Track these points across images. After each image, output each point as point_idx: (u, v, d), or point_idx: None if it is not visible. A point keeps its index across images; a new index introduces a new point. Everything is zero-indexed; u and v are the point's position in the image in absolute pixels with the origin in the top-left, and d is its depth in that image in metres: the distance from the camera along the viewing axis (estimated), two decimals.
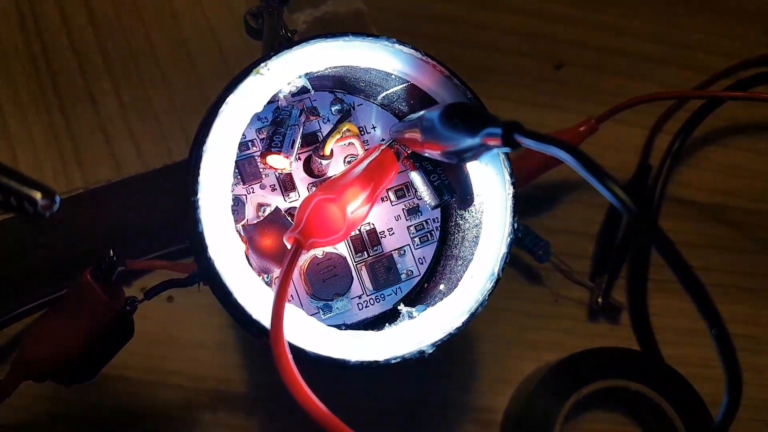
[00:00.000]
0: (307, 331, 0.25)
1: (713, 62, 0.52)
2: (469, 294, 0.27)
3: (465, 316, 0.26)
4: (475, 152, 0.24)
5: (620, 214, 0.47)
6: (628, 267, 0.47)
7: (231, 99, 0.25)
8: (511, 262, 0.46)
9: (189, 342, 0.41)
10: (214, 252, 0.24)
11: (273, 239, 0.29)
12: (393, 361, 0.25)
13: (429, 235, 0.32)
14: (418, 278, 0.32)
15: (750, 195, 0.50)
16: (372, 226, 0.31)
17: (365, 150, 0.31)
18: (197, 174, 0.24)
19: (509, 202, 0.28)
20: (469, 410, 0.43)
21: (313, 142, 0.31)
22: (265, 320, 0.24)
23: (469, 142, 0.24)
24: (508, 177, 0.29)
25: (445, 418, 0.43)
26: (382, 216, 0.32)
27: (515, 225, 0.28)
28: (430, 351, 0.26)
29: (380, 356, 0.25)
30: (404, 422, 0.42)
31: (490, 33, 0.51)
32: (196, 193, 0.24)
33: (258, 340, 0.24)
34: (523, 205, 0.47)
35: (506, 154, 0.29)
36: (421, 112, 0.27)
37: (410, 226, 0.32)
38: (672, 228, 0.48)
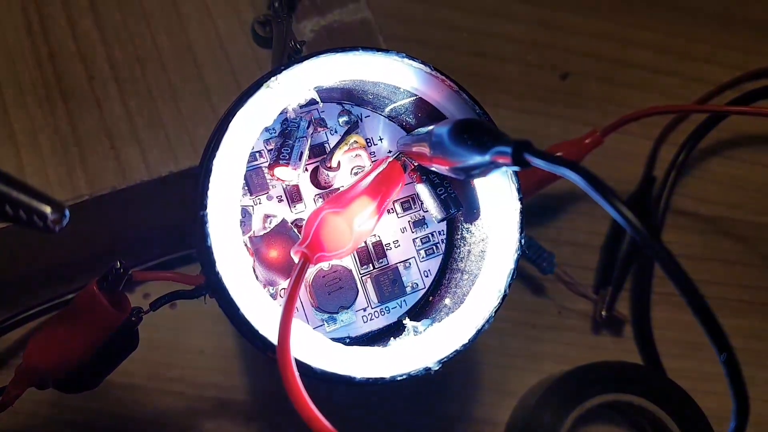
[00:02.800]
0: (313, 346, 0.24)
1: (719, 73, 0.52)
2: (475, 310, 0.27)
3: (471, 333, 0.26)
4: (484, 169, 0.24)
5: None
6: (631, 280, 0.47)
7: (240, 113, 0.25)
8: (519, 274, 0.46)
9: (191, 349, 0.41)
10: (221, 266, 0.23)
11: (279, 251, 0.28)
12: (399, 378, 0.25)
13: (435, 247, 0.32)
14: (423, 291, 0.32)
15: (754, 208, 0.50)
16: (378, 238, 0.31)
17: (372, 162, 0.31)
18: (206, 189, 0.23)
19: (517, 218, 0.28)
20: (471, 422, 0.43)
21: (321, 154, 0.31)
22: (272, 335, 0.24)
23: (479, 159, 0.24)
24: (515, 192, 0.28)
25: (447, 429, 0.43)
26: (388, 228, 0.32)
27: (522, 241, 0.28)
28: (436, 368, 0.26)
29: (386, 373, 0.25)
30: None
31: (495, 41, 0.51)
32: (205, 207, 0.23)
33: (264, 355, 0.24)
34: (528, 217, 0.47)
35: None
36: (430, 127, 0.27)
37: (416, 238, 0.32)
38: (675, 240, 0.48)
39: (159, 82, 0.38)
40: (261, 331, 0.24)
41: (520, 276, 0.46)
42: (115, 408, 0.40)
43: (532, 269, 0.46)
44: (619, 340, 0.46)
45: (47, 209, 0.20)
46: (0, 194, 0.20)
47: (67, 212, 0.20)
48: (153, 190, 0.36)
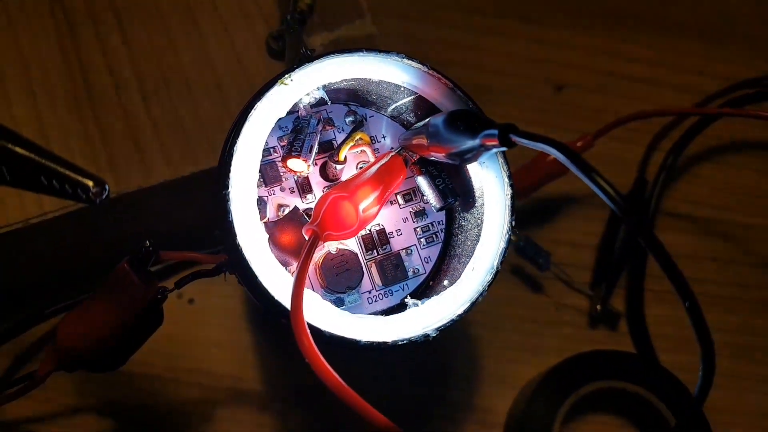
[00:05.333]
0: (321, 313, 0.27)
1: (709, 84, 0.55)
2: (470, 285, 0.29)
3: (466, 305, 0.29)
4: (476, 152, 0.27)
5: (618, 226, 0.49)
6: (626, 277, 0.49)
7: (259, 105, 0.28)
8: (515, 271, 0.49)
9: (207, 342, 0.44)
10: (241, 239, 0.26)
11: (292, 235, 0.31)
12: (400, 343, 0.27)
13: (434, 236, 0.35)
14: (424, 276, 0.34)
15: (743, 210, 0.53)
16: (381, 227, 0.34)
17: (376, 157, 0.34)
18: (228, 170, 0.26)
19: (508, 202, 0.31)
20: (473, 411, 0.45)
21: (329, 149, 0.34)
22: (286, 302, 0.26)
23: (470, 143, 0.27)
24: (506, 179, 0.31)
25: (450, 416, 0.45)
26: (391, 218, 0.34)
27: (513, 223, 0.31)
28: (434, 335, 0.28)
29: (388, 338, 0.27)
30: (411, 417, 0.44)
31: (494, 58, 0.55)
32: (227, 187, 0.26)
33: (279, 321, 0.27)
34: (526, 218, 0.50)
35: (505, 158, 0.31)
36: (427, 120, 0.30)
37: (417, 227, 0.35)
38: (668, 240, 0.50)
39: (181, 92, 0.42)
40: (277, 298, 0.26)
41: (519, 274, 0.49)
42: (137, 396, 0.43)
43: (531, 269, 0.48)
44: (614, 334, 0.48)
45: (89, 182, 0.23)
46: (47, 169, 0.23)
47: (107, 186, 0.23)
48: (174, 189, 0.39)
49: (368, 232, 0.34)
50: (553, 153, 0.24)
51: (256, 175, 0.28)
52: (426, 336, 0.28)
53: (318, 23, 0.45)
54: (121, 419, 0.42)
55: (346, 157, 0.33)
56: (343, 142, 0.33)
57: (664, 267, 0.22)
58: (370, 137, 0.34)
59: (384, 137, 0.35)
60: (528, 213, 0.50)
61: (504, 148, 0.25)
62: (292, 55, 0.36)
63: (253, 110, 0.28)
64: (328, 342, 0.26)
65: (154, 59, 0.42)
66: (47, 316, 0.41)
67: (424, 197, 0.34)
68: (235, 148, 0.27)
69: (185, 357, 0.43)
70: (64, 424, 0.42)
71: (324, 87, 0.31)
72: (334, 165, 0.33)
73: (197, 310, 0.44)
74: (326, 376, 0.23)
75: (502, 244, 0.30)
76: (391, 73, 0.31)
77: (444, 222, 0.35)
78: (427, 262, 0.35)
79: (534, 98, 0.53)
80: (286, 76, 0.29)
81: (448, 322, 0.28)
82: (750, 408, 0.47)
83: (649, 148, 0.52)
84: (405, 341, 0.27)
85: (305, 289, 0.26)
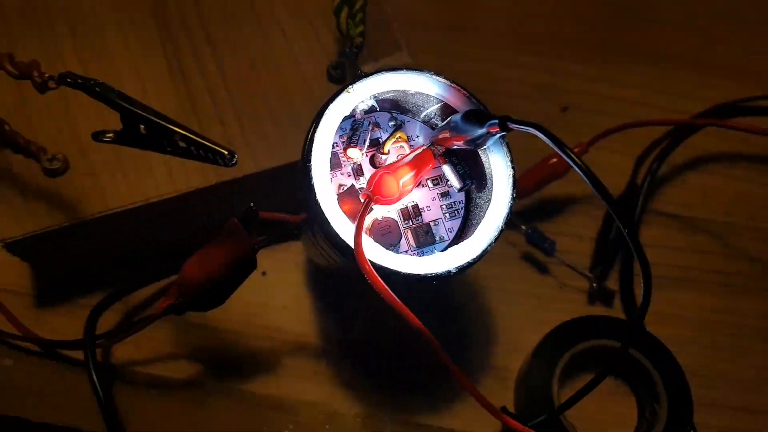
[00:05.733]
0: (371, 250, 0.38)
1: (693, 107, 0.65)
2: (483, 238, 0.40)
3: (479, 251, 0.39)
4: (484, 138, 0.38)
5: (613, 220, 0.59)
6: (619, 263, 0.58)
7: (331, 106, 0.40)
8: (525, 257, 0.59)
9: (277, 305, 0.55)
10: (320, 197, 0.38)
11: (350, 206, 0.42)
12: (430, 275, 0.38)
13: (456, 212, 0.45)
14: (448, 242, 0.45)
15: (725, 210, 0.62)
16: (415, 203, 0.45)
17: (411, 149, 0.45)
18: (311, 149, 0.38)
19: (510, 180, 0.41)
20: (490, 368, 0.55)
21: (376, 145, 0.45)
22: (350, 241, 0.37)
23: (479, 131, 0.38)
24: (509, 162, 0.42)
25: (471, 373, 0.55)
26: (423, 197, 0.45)
27: (514, 195, 0.41)
28: (454, 272, 0.38)
29: (421, 271, 0.38)
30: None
31: (511, 84, 0.66)
32: (310, 160, 0.38)
33: (346, 259, 0.37)
34: (535, 214, 0.60)
35: (508, 146, 0.42)
36: (449, 119, 0.41)
37: (442, 205, 0.45)
38: (656, 234, 0.60)
39: (263, 108, 0.54)
40: (345, 239, 0.37)
41: (528, 259, 0.59)
42: (219, 347, 0.54)
43: (539, 255, 0.58)
44: (610, 310, 0.57)
45: (225, 151, 0.34)
46: (194, 141, 0.34)
47: (236, 154, 0.35)
48: (258, 180, 0.51)
49: (405, 206, 0.44)
50: (539, 135, 0.35)
51: (329, 157, 0.39)
52: (448, 272, 0.38)
53: (366, 56, 0.57)
54: (207, 363, 0.53)
55: (389, 150, 0.44)
56: (387, 138, 0.44)
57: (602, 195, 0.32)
58: (408, 136, 0.46)
59: (417, 137, 0.46)
60: (536, 209, 0.60)
61: (504, 132, 0.36)
62: (350, 76, 0.47)
63: (327, 110, 0.40)
64: (377, 269, 0.37)
65: (242, 82, 0.55)
66: (147, 282, 0.53)
67: (448, 182, 0.45)
68: (315, 135, 0.38)
69: (259, 316, 0.54)
70: (161, 367, 0.53)
71: (374, 96, 0.42)
72: (380, 155, 0.44)
73: (269, 281, 0.55)
74: (378, 286, 0.34)
75: (506, 210, 0.41)
76: (424, 85, 0.42)
77: (464, 201, 0.46)
78: (450, 231, 0.45)
79: (542, 116, 0.64)
80: (350, 86, 0.41)
81: (464, 263, 0.39)
82: (725, 373, 0.55)
83: (640, 157, 0.62)
84: (433, 275, 0.38)
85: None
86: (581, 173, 0.34)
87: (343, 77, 0.54)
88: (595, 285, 0.56)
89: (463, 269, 0.39)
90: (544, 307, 0.57)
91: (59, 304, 0.53)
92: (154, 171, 0.50)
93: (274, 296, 0.55)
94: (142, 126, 0.36)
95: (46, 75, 0.40)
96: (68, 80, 0.37)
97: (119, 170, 0.49)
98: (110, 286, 0.52)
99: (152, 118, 0.36)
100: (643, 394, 0.53)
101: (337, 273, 0.53)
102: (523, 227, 0.57)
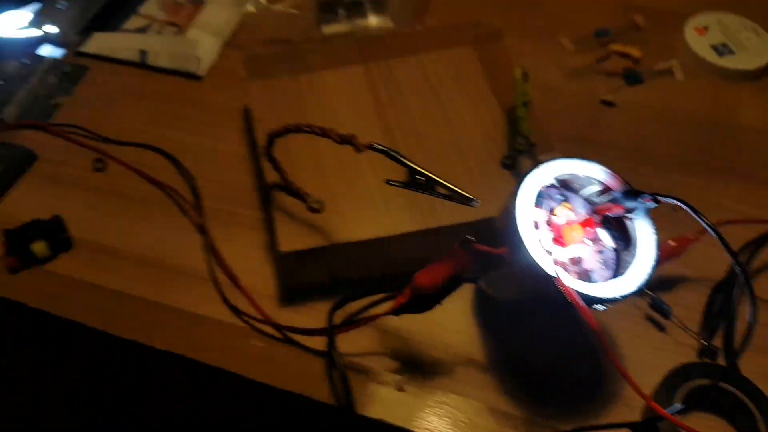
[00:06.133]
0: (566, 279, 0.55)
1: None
2: (634, 280, 0.56)
3: (634, 288, 0.56)
4: (636, 208, 0.56)
5: (718, 293, 0.73)
6: (722, 329, 0.72)
7: (527, 179, 0.59)
8: (647, 318, 0.74)
9: (450, 329, 0.72)
10: (523, 235, 0.56)
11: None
12: (603, 299, 0.54)
13: (609, 262, 0.62)
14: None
15: None
16: (579, 258, 0.62)
17: (575, 214, 0.63)
18: (516, 203, 0.57)
19: (654, 244, 0.58)
20: (620, 396, 0.68)
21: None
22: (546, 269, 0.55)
23: (634, 203, 0.55)
24: (653, 230, 0.59)
25: (598, 396, 0.68)
26: (588, 252, 0.62)
27: (657, 255, 0.58)
28: (618, 298, 0.55)
29: (601, 294, 0.54)
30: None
31: None
32: (515, 207, 0.56)
33: (545, 284, 0.54)
34: (656, 285, 0.75)
35: (652, 222, 0.59)
36: (611, 197, 0.59)
37: (598, 259, 0.62)
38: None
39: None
40: (542, 267, 0.55)
41: (651, 320, 0.73)
42: (407, 350, 0.70)
43: (658, 317, 0.73)
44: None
45: (471, 197, 0.53)
46: (450, 188, 0.54)
47: (478, 200, 0.54)
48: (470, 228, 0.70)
49: (573, 257, 0.62)
50: (683, 206, 0.52)
51: (532, 216, 0.58)
52: (615, 298, 0.55)
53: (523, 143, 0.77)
54: (400, 361, 0.70)
55: (558, 213, 0.63)
56: (557, 206, 0.63)
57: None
58: (571, 206, 0.64)
59: (578, 209, 0.64)
60: (654, 282, 0.76)
61: (654, 205, 0.54)
62: (524, 165, 0.67)
63: (524, 181, 0.59)
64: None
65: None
66: (370, 294, 0.70)
67: (602, 242, 0.62)
68: (518, 195, 0.57)
69: (432, 334, 0.71)
70: (368, 359, 0.69)
71: (554, 176, 0.61)
72: (552, 217, 0.62)
73: (443, 309, 0.72)
74: (576, 303, 0.51)
75: (649, 270, 0.57)
76: (592, 172, 0.61)
77: (615, 258, 0.62)
78: (604, 279, 0.62)
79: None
80: (538, 167, 0.60)
81: (617, 296, 0.55)
82: None
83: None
84: (606, 299, 0.54)
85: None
86: (714, 235, 0.50)
87: (513, 165, 0.73)
88: (704, 342, 0.70)
89: (619, 299, 0.55)
90: (662, 356, 0.71)
91: (293, 305, 0.71)
92: (381, 212, 0.70)
93: (448, 321, 0.72)
94: (418, 176, 0.56)
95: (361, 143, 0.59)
96: (375, 146, 0.58)
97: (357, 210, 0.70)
98: (329, 298, 0.70)
99: (426, 172, 0.56)
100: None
101: (513, 302, 0.70)
102: (649, 292, 0.73)
